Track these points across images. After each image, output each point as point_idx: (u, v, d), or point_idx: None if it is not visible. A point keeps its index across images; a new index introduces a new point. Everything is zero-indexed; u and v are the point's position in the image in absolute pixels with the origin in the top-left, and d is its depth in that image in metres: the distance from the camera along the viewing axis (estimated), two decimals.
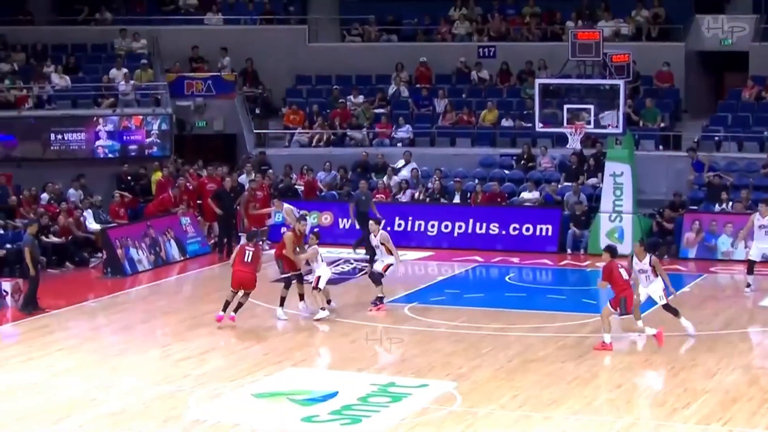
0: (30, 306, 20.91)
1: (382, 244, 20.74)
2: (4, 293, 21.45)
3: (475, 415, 14.82)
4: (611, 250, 18.02)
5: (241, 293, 19.78)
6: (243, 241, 21.61)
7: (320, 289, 20.10)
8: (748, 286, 22.24)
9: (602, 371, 16.84)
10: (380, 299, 20.76)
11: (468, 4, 34.84)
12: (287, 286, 20.34)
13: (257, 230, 23.32)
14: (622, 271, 17.64)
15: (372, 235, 20.99)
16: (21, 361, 17.66)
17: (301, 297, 20.47)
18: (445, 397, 15.54)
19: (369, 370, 17.09)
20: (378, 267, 20.81)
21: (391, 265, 20.77)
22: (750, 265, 22.33)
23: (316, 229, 22.20)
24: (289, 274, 20.36)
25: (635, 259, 18.26)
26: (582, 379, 16.47)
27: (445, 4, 35.05)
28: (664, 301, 18.35)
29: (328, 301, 20.44)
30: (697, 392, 15.65)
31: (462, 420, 14.61)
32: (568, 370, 17.02)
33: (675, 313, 18.41)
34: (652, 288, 18.27)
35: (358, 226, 25.78)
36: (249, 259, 19.77)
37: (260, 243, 27.66)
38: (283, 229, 20.75)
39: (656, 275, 18.21)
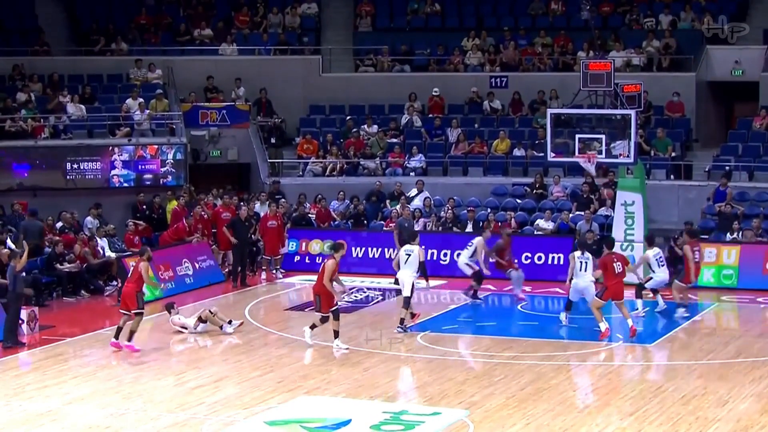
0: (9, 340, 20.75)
1: None
2: (21, 321, 21.56)
3: None
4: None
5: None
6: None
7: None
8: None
9: (614, 399, 16.90)
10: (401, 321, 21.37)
11: (480, 35, 35.07)
12: (337, 317, 19.94)
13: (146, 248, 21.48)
14: (616, 266, 20.53)
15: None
16: (37, 388, 17.79)
17: (336, 334, 20.00)
18: (458, 425, 15.59)
19: (382, 398, 17.19)
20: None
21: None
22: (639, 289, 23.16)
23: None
24: (323, 315, 19.99)
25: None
26: (594, 407, 16.55)
27: (457, 34, 35.29)
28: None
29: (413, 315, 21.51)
30: (708, 421, 15.69)
31: None
32: (580, 398, 17.13)
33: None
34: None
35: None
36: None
37: (274, 272, 28.09)
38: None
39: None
